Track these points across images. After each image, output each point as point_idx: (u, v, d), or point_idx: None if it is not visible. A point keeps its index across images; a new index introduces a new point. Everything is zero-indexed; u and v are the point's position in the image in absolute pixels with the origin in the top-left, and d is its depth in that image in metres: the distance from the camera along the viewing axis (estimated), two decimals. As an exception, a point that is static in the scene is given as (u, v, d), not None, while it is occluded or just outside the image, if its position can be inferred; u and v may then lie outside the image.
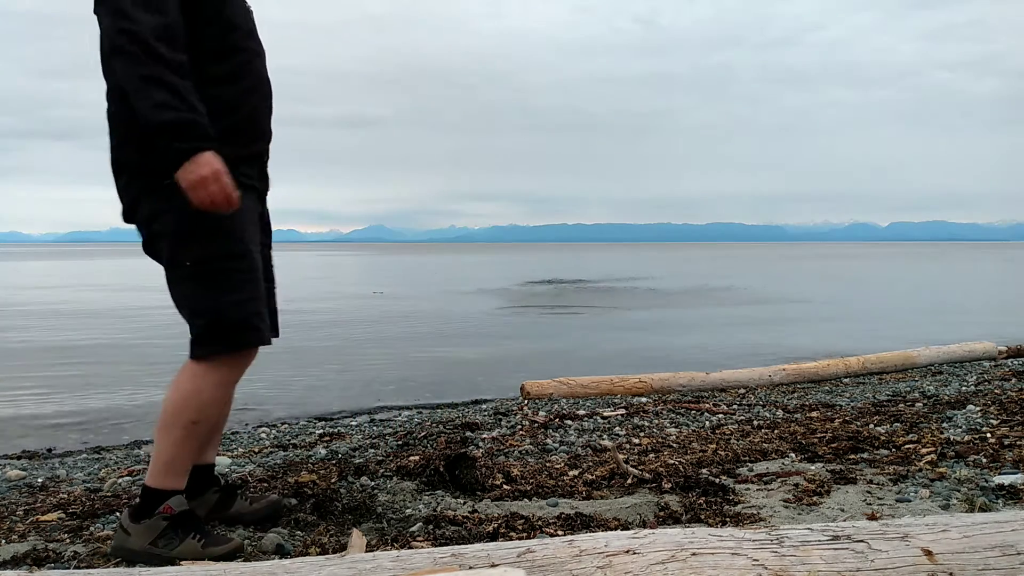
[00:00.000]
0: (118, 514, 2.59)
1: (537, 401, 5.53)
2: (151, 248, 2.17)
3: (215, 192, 1.95)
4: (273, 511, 2.46)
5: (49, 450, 4.82)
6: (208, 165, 1.94)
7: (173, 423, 2.09)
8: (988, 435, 3.47)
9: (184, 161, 1.92)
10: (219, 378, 2.11)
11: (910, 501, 2.58)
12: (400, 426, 4.78)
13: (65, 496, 3.07)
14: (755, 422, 4.32)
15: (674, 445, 3.68)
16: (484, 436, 4.12)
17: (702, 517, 2.45)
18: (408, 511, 2.59)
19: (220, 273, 2.07)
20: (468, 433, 4.24)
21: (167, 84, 1.90)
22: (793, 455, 3.35)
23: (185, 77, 1.96)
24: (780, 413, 4.65)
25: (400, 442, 4.08)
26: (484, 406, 5.72)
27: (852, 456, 3.26)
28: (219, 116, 2.05)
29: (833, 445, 3.43)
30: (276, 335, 2.34)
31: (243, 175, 2.13)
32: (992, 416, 3.95)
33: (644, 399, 5.47)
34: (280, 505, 2.50)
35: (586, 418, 4.59)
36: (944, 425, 3.81)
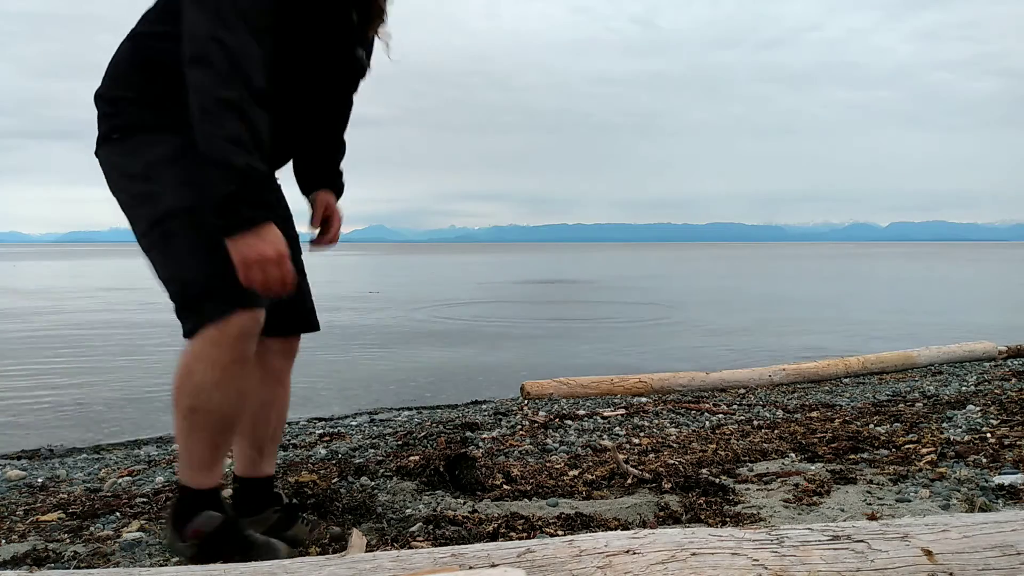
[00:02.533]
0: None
1: (537, 401, 5.53)
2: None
3: (274, 276, 1.72)
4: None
5: (49, 450, 4.82)
6: (274, 245, 1.71)
7: (175, 409, 1.86)
8: (988, 435, 3.47)
9: (248, 229, 1.69)
10: (208, 356, 1.81)
11: (910, 501, 2.58)
12: (400, 426, 4.78)
13: (65, 496, 3.07)
14: (755, 422, 4.33)
15: (674, 445, 3.68)
16: (484, 436, 4.12)
17: (702, 517, 2.45)
18: (408, 511, 2.59)
19: (171, 234, 1.83)
20: (468, 433, 4.24)
21: (246, 117, 1.68)
22: (793, 455, 3.35)
23: (263, 112, 1.74)
24: (780, 413, 4.65)
25: (400, 442, 4.08)
26: (484, 406, 5.72)
27: (852, 456, 3.25)
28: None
29: (833, 445, 3.43)
30: (316, 328, 2.21)
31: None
32: (992, 416, 3.95)
33: (644, 399, 5.47)
34: (342, 538, 2.23)
35: (586, 418, 4.59)
36: (944, 425, 3.81)
